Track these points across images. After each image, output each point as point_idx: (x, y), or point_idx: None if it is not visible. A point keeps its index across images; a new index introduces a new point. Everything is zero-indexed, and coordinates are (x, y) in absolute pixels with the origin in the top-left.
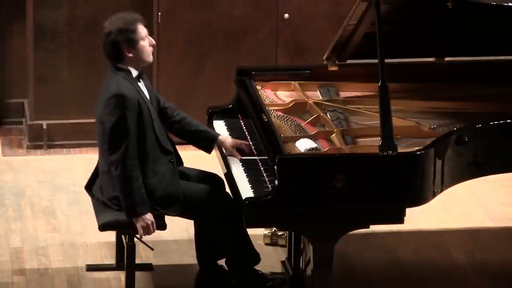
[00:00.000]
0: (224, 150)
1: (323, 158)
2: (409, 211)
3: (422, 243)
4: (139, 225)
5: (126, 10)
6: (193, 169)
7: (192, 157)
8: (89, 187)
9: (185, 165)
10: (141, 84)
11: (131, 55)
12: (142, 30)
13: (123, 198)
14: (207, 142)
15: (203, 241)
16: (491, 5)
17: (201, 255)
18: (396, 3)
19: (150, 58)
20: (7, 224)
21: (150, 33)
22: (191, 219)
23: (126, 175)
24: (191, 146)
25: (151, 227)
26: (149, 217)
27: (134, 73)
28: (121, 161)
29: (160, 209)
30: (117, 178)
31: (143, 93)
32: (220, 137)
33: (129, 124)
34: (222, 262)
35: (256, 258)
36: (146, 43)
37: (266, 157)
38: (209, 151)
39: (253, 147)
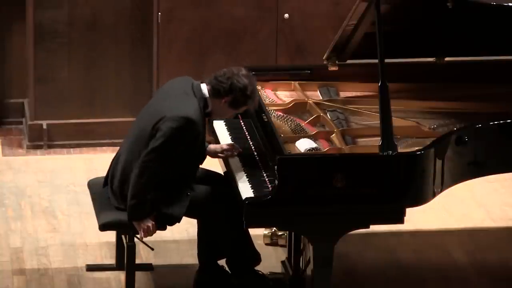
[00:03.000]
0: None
1: (323, 158)
2: (409, 211)
3: (422, 243)
4: (139, 228)
5: (126, 10)
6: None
7: None
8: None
9: None
10: (207, 120)
11: (221, 104)
12: (244, 108)
13: (130, 202)
14: None
15: (206, 240)
16: (491, 5)
17: (202, 254)
18: (396, 3)
19: (218, 118)
20: (7, 224)
21: (150, 33)
22: (193, 218)
23: (143, 186)
24: None
25: (151, 229)
26: (149, 219)
27: (209, 109)
28: (148, 173)
29: (159, 219)
30: (134, 182)
31: (206, 129)
32: (209, 147)
33: (179, 149)
34: (222, 262)
35: (257, 258)
36: (231, 113)
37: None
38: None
39: (253, 147)
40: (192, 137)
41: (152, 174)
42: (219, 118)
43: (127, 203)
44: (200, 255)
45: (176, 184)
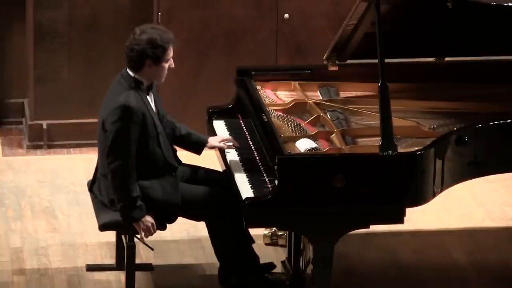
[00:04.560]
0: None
1: (323, 158)
2: (409, 211)
3: (422, 243)
4: (139, 229)
5: (126, 10)
6: (197, 167)
7: (193, 158)
8: (91, 188)
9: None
10: (149, 96)
11: (150, 69)
12: (170, 52)
13: (120, 207)
14: (198, 145)
15: (214, 239)
16: (491, 5)
17: (217, 252)
18: (396, 3)
19: (162, 79)
20: (7, 224)
21: None
22: (191, 219)
23: (122, 186)
24: None
25: (151, 228)
26: (148, 219)
27: (145, 84)
28: (118, 172)
29: (159, 215)
30: (113, 187)
31: (150, 105)
32: (209, 139)
33: (131, 136)
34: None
35: (256, 259)
36: (167, 65)
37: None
38: (199, 153)
39: (253, 147)
40: (138, 119)
41: (123, 172)
42: (162, 78)
43: (118, 207)
44: (216, 253)
45: (157, 172)
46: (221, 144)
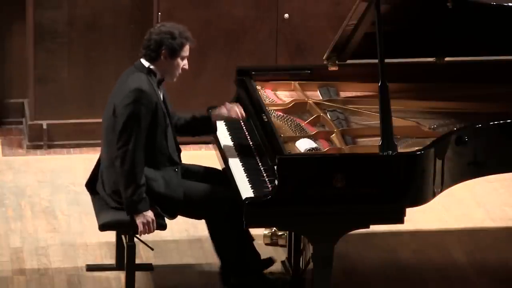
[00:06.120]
0: (223, 115)
1: (323, 158)
2: (409, 211)
3: (422, 243)
4: (139, 222)
5: (126, 10)
6: (196, 165)
7: (193, 158)
8: (89, 185)
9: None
10: (159, 91)
11: (165, 62)
12: (186, 50)
13: (125, 194)
14: (206, 121)
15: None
16: (491, 5)
17: (218, 251)
18: (396, 3)
19: (174, 78)
20: (7, 224)
21: None
22: (192, 218)
23: (131, 171)
24: (190, 146)
25: (151, 224)
26: (150, 214)
27: (157, 76)
28: (128, 156)
29: (160, 209)
30: (121, 173)
31: (161, 97)
32: (213, 113)
33: (142, 120)
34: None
35: (257, 258)
36: (181, 63)
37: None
38: (212, 130)
39: (253, 147)
40: (150, 105)
41: (132, 157)
42: (174, 76)
43: (123, 196)
44: (217, 252)
45: (160, 164)
46: (227, 115)
